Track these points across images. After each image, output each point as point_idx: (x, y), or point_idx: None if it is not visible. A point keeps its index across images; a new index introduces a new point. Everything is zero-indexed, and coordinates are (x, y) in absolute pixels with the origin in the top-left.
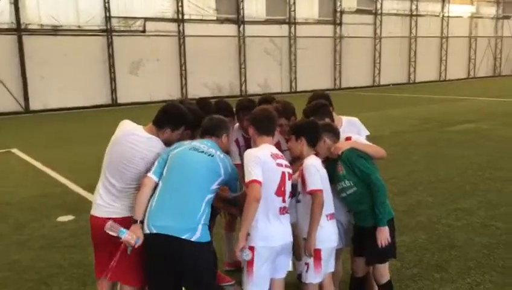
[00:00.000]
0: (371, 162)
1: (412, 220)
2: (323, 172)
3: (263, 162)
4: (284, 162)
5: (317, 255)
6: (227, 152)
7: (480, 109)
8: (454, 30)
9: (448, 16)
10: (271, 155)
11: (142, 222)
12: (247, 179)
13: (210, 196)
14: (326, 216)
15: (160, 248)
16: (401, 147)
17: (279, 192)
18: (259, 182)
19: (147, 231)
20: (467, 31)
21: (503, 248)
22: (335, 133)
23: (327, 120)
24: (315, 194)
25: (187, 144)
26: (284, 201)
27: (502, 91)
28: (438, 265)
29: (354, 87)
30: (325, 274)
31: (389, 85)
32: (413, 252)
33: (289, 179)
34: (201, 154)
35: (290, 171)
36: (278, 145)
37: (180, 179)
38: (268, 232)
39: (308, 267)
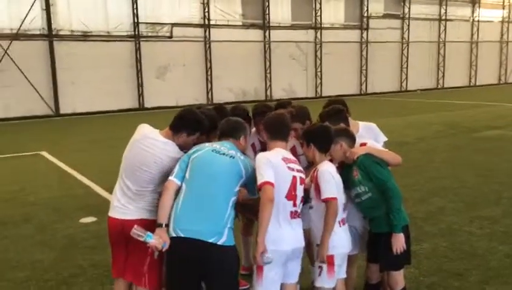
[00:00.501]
0: (386, 168)
1: (433, 227)
2: (338, 178)
3: (274, 165)
4: (296, 166)
5: (330, 261)
6: (244, 153)
7: (509, 115)
8: (485, 35)
9: (478, 21)
10: (282, 159)
11: (167, 226)
12: (259, 182)
13: (234, 198)
14: (339, 222)
15: (187, 252)
16: (424, 153)
17: (290, 196)
18: (272, 184)
19: (173, 235)
20: (497, 36)
21: None
22: (351, 138)
23: (342, 125)
24: (329, 202)
25: (208, 146)
26: (295, 205)
27: None
28: (457, 273)
29: (381, 93)
30: (337, 280)
31: (416, 90)
32: (432, 259)
33: (301, 184)
34: (223, 157)
35: (303, 175)
36: (293, 150)
37: (204, 182)
38: (279, 235)
39: (321, 271)
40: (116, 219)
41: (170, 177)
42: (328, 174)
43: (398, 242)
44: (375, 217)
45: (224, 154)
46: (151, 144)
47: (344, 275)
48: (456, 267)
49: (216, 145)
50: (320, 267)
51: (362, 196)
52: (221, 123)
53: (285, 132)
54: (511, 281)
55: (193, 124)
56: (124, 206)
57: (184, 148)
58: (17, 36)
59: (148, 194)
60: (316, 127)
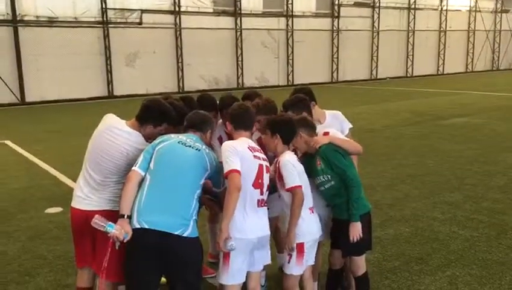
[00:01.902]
0: (347, 157)
1: (397, 213)
2: (300, 167)
3: (240, 153)
4: (262, 155)
5: (300, 248)
6: (210, 147)
7: (474, 103)
8: (453, 24)
9: (446, 10)
10: (248, 147)
11: (129, 217)
12: (225, 170)
13: (199, 191)
14: (309, 209)
15: (151, 243)
16: (392, 141)
17: (257, 184)
18: (238, 171)
19: (137, 226)
20: (465, 25)
21: (485, 241)
22: (311, 128)
23: (304, 114)
24: (295, 191)
25: (174, 137)
26: (262, 193)
27: (498, 85)
28: (419, 258)
29: (352, 81)
30: (306, 266)
31: (386, 78)
32: (395, 245)
33: (267, 172)
34: (189, 149)
35: (268, 164)
36: (260, 142)
37: (169, 173)
38: (245, 224)
39: (290, 258)
40: (80, 210)
41: (134, 168)
42: (289, 164)
43: (355, 230)
44: (337, 204)
45: (190, 146)
46: (116, 134)
47: (313, 262)
48: (418, 251)
49: (182, 137)
50: (290, 254)
51: (325, 184)
52: (189, 115)
53: (250, 122)
54: (470, 264)
55: (159, 116)
56: (88, 197)
57: (150, 138)
58: None
59: (112, 185)
60: (282, 118)
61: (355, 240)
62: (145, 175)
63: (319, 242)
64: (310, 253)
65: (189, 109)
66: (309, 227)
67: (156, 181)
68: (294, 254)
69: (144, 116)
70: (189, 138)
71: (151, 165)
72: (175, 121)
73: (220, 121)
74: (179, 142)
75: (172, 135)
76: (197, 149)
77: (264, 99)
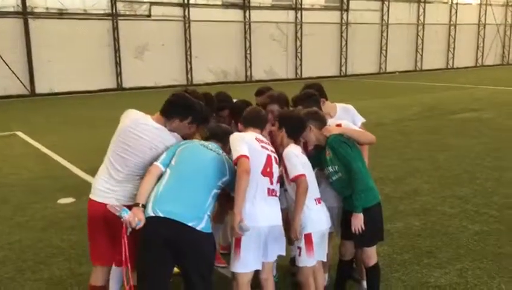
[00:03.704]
0: (355, 149)
1: (407, 207)
2: (304, 159)
3: (247, 141)
4: (270, 147)
5: (308, 239)
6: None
7: (484, 98)
8: (463, 17)
9: (457, 3)
10: (256, 139)
11: (144, 207)
12: (234, 157)
13: (216, 191)
14: (315, 200)
15: (164, 231)
16: (401, 135)
17: (266, 172)
18: (247, 156)
19: (152, 214)
20: (475, 19)
21: (495, 235)
22: (321, 121)
23: (314, 108)
24: (299, 180)
25: (196, 141)
26: (271, 183)
27: (509, 80)
28: (428, 251)
29: (360, 74)
30: (317, 261)
31: (395, 72)
32: (405, 238)
33: (276, 163)
34: (210, 151)
35: (276, 156)
36: (271, 135)
37: (190, 169)
38: (255, 212)
39: (300, 251)
40: (100, 203)
41: (155, 163)
42: (292, 154)
43: (357, 222)
44: (347, 196)
45: (211, 149)
46: (144, 129)
47: (324, 259)
48: (428, 245)
49: (204, 142)
50: (299, 247)
51: (333, 175)
52: (212, 127)
53: (260, 121)
54: (480, 257)
55: (185, 110)
56: (110, 189)
57: (176, 132)
58: None
59: (137, 179)
60: (291, 114)
61: (357, 231)
62: (165, 170)
63: (330, 234)
64: (321, 244)
65: (209, 107)
66: (316, 217)
67: (175, 175)
68: (303, 246)
69: (170, 111)
70: (211, 144)
71: (173, 161)
72: (200, 114)
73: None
74: (201, 145)
75: (195, 140)
76: (217, 153)
77: (279, 91)
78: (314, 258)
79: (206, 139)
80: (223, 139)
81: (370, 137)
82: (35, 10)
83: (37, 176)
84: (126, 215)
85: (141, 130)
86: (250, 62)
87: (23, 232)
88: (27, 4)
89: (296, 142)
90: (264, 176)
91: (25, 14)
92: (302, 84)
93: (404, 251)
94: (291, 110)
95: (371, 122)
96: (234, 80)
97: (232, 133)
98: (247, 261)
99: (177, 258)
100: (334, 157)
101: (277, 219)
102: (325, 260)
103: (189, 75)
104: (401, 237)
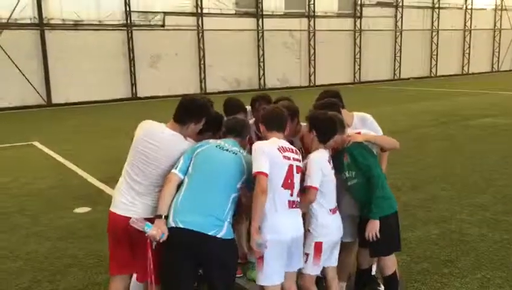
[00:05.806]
0: (374, 156)
1: (425, 214)
2: (328, 168)
3: (269, 154)
4: (293, 155)
5: (317, 247)
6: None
7: (500, 103)
8: (478, 23)
9: (471, 8)
10: (278, 148)
11: (166, 217)
12: (254, 170)
13: (235, 195)
14: (330, 210)
15: (185, 242)
16: (417, 142)
17: (286, 185)
18: (265, 174)
19: (173, 225)
20: (491, 24)
21: None
22: (342, 127)
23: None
24: (309, 191)
25: (212, 142)
26: (291, 195)
27: None
28: (448, 260)
29: (374, 81)
30: (328, 267)
31: (409, 79)
32: (423, 246)
33: (298, 172)
34: (227, 153)
35: (300, 164)
36: (302, 138)
37: (207, 176)
38: (277, 225)
39: (307, 258)
40: (122, 216)
41: (173, 170)
42: (315, 165)
43: (373, 228)
44: (364, 203)
45: (227, 150)
46: (162, 138)
47: (335, 264)
48: (447, 254)
49: (220, 141)
50: (307, 254)
51: (349, 181)
52: (227, 122)
53: (282, 123)
54: (500, 266)
55: (198, 112)
56: (131, 203)
57: (192, 137)
58: (7, 25)
59: (157, 190)
60: (325, 116)
61: (370, 237)
62: (183, 178)
63: (352, 243)
64: (331, 254)
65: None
66: (329, 227)
67: (193, 183)
68: (312, 253)
69: (183, 115)
70: (227, 143)
71: (190, 168)
72: (212, 114)
73: (251, 121)
74: (216, 146)
75: (211, 141)
76: (234, 153)
77: (288, 102)
78: (319, 267)
79: (223, 134)
80: (241, 134)
81: (393, 142)
82: (51, 22)
83: (53, 185)
84: (150, 230)
85: (159, 139)
86: (264, 70)
87: (39, 242)
88: (43, 16)
89: (326, 146)
90: (284, 188)
91: (41, 25)
92: (316, 91)
93: (422, 260)
94: (323, 112)
95: (385, 130)
96: (248, 88)
97: (248, 124)
98: (272, 274)
99: (199, 267)
100: (352, 163)
101: (300, 229)
102: (335, 264)
103: (202, 84)
104: (419, 245)
